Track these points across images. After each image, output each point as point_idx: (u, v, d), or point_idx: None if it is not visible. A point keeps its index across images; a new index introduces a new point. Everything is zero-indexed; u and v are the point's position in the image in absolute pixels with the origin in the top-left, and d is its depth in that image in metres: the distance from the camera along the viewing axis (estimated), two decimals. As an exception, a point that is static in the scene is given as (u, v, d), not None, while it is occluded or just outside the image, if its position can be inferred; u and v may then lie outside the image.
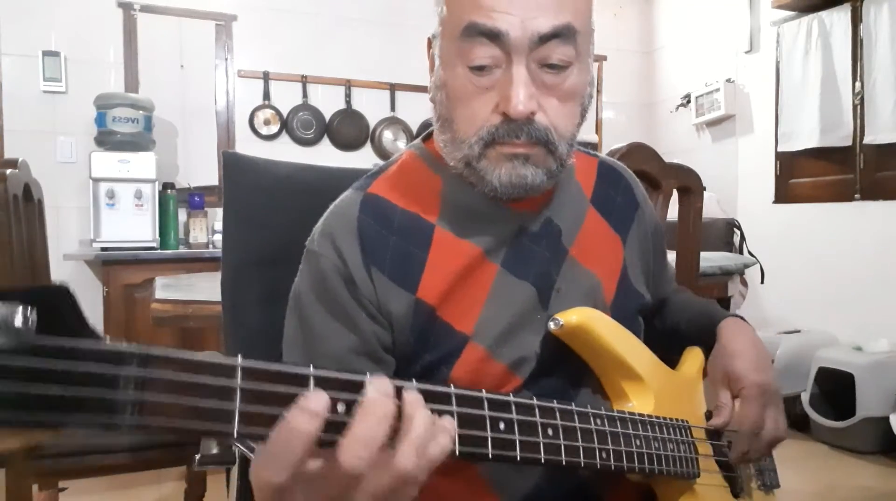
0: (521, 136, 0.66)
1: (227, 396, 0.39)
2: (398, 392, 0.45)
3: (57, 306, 0.35)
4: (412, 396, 0.46)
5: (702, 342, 0.87)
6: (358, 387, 0.44)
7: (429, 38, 0.75)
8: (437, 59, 0.72)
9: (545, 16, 0.64)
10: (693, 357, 0.87)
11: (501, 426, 0.54)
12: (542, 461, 0.57)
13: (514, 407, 0.55)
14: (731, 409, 0.78)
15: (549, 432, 0.58)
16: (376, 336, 0.70)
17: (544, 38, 0.64)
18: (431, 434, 0.45)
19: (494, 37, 0.64)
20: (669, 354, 0.86)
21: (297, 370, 0.42)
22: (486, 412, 0.53)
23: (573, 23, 0.66)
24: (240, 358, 0.40)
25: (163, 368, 0.37)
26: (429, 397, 0.48)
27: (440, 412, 0.48)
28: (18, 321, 0.33)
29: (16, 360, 0.32)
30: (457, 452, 0.49)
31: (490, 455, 0.52)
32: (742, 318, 0.86)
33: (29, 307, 0.33)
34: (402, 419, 0.44)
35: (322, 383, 0.43)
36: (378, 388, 0.43)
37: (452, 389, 0.51)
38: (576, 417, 0.61)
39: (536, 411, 0.57)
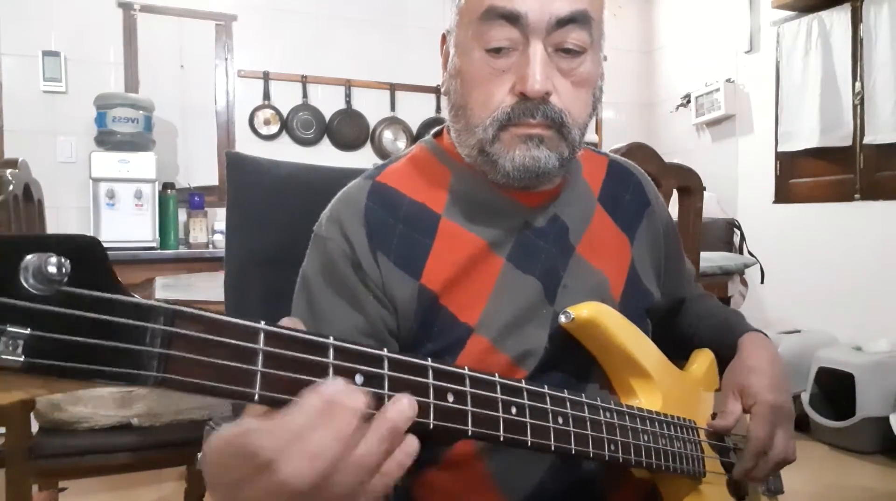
0: (536, 115, 0.67)
1: (251, 358, 0.40)
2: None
3: (87, 258, 0.34)
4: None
5: (717, 353, 0.87)
6: (376, 361, 0.45)
7: (443, 34, 0.76)
8: (453, 48, 0.73)
9: (563, 0, 0.66)
10: (701, 359, 0.86)
11: (513, 409, 0.54)
12: (553, 448, 0.57)
13: (525, 393, 0.56)
14: (737, 417, 0.78)
15: (560, 420, 0.58)
16: (382, 319, 0.72)
17: (562, 22, 0.66)
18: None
19: (513, 19, 0.66)
20: (680, 357, 0.85)
21: (317, 338, 0.43)
22: (499, 395, 0.54)
23: (589, 10, 0.68)
24: (263, 323, 0.41)
25: (189, 326, 0.37)
26: (443, 376, 0.49)
27: (454, 392, 0.49)
28: (52, 270, 0.33)
29: (48, 308, 0.32)
30: (469, 432, 0.50)
31: (502, 438, 0.53)
32: (765, 334, 0.86)
33: (62, 257, 0.33)
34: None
35: (341, 354, 0.43)
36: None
37: (466, 370, 0.51)
38: (585, 408, 0.62)
39: (547, 398, 0.58)
